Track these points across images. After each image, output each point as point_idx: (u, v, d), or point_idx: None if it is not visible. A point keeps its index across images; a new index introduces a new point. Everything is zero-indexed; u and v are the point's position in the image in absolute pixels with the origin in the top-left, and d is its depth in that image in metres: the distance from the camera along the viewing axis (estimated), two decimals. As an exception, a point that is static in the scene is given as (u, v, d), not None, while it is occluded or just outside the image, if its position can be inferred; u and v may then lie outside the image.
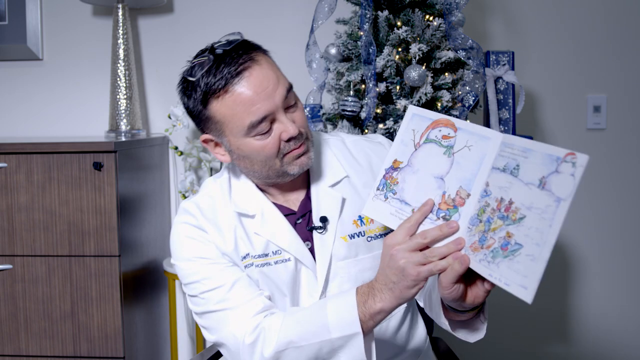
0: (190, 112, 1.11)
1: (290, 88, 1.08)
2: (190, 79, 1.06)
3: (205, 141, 1.12)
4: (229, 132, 1.06)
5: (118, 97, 2.02)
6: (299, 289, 1.13)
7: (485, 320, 1.01)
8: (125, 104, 2.02)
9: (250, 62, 1.04)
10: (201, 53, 1.09)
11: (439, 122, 0.96)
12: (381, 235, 1.15)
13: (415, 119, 0.99)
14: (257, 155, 1.07)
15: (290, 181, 1.14)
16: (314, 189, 1.15)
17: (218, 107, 1.05)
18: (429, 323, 1.65)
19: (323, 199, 1.14)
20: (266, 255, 1.12)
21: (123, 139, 1.96)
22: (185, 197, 2.08)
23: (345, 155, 1.19)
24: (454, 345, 1.64)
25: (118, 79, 2.01)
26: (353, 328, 0.97)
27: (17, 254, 1.74)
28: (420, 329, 1.26)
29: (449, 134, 0.94)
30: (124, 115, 2.02)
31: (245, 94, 1.03)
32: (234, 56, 1.04)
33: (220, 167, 2.19)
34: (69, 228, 1.72)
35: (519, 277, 0.79)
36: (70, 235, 1.72)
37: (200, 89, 1.05)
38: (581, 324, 2.25)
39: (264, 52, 1.11)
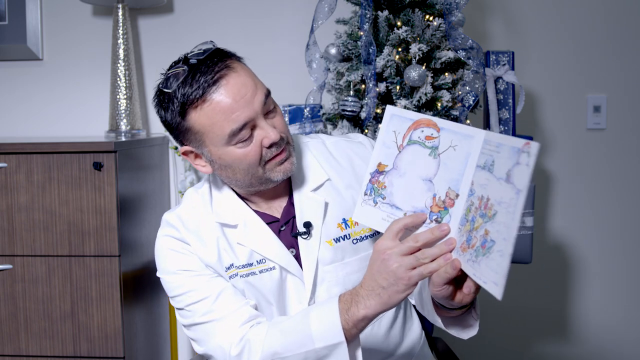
0: (168, 124, 1.09)
1: (268, 93, 1.07)
2: (166, 90, 1.04)
3: (185, 153, 1.11)
4: (209, 142, 1.05)
5: (118, 97, 2.02)
6: (286, 296, 1.12)
7: (478, 318, 1.01)
8: (125, 104, 2.02)
9: (227, 70, 1.03)
10: (174, 64, 1.07)
11: (420, 122, 0.95)
12: (367, 237, 1.14)
13: (395, 119, 0.98)
14: (239, 164, 1.06)
15: (272, 188, 1.13)
16: (296, 195, 1.14)
17: (197, 118, 1.03)
18: (430, 323, 1.65)
19: (306, 204, 1.13)
20: (250, 264, 1.11)
21: (123, 139, 1.96)
22: (185, 197, 2.08)
23: (326, 158, 1.18)
24: (453, 345, 1.64)
25: (118, 79, 2.01)
26: (336, 337, 0.96)
27: (17, 254, 1.74)
28: (415, 329, 1.26)
29: (432, 134, 0.93)
30: (124, 115, 2.02)
31: (224, 102, 1.01)
32: (209, 64, 1.02)
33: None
34: (69, 228, 1.72)
35: (493, 274, 0.79)
36: (70, 235, 1.72)
37: (178, 100, 1.03)
38: (581, 324, 2.25)
39: (239, 59, 1.09)
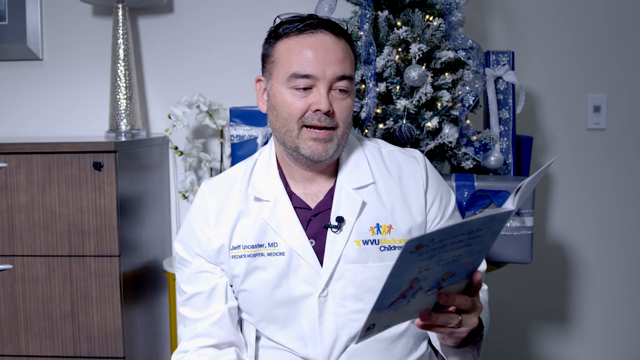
0: (262, 55, 1.17)
1: (348, 77, 1.11)
2: (278, 18, 1.14)
3: (258, 81, 1.18)
4: (276, 74, 1.11)
5: (118, 97, 2.02)
6: (290, 281, 1.13)
7: (478, 356, 1.04)
8: (125, 104, 2.02)
9: (329, 34, 1.10)
10: None
11: None
12: (395, 248, 1.14)
13: None
14: (282, 110, 1.10)
15: (317, 170, 1.16)
16: (337, 188, 1.16)
17: (280, 47, 1.11)
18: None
19: (344, 199, 1.14)
20: (261, 245, 1.13)
21: (123, 139, 1.96)
22: (185, 197, 2.07)
23: (377, 162, 1.20)
24: (454, 345, 1.63)
25: (118, 79, 2.01)
26: None
27: (17, 254, 1.74)
28: (422, 346, 1.23)
29: None
30: (124, 115, 2.02)
31: (306, 49, 1.08)
32: (321, 24, 1.10)
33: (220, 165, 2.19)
34: (69, 228, 1.72)
35: None
36: (70, 235, 1.72)
37: (277, 30, 1.13)
38: (581, 323, 2.25)
39: (352, 45, 1.15)
